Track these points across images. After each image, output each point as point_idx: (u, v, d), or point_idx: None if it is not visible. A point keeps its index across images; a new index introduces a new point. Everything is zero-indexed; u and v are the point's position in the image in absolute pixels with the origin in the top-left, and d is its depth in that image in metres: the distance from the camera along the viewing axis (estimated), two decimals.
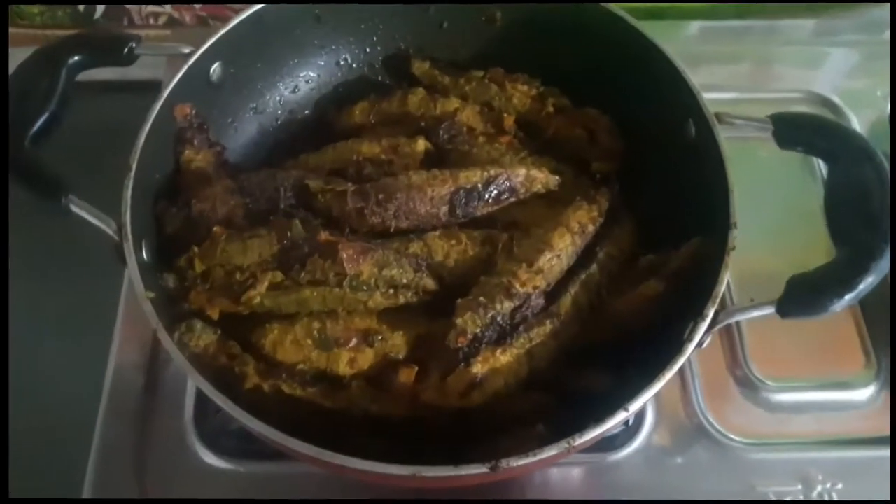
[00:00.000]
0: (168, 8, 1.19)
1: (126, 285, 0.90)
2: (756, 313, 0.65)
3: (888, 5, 1.18)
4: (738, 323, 0.89)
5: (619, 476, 0.81)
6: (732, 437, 0.83)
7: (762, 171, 0.95)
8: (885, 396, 0.86)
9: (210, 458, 0.81)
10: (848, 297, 0.62)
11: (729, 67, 1.13)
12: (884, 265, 0.62)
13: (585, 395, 0.71)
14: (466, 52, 0.93)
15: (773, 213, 0.93)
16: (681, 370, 0.85)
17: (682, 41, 1.16)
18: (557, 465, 0.81)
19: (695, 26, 1.17)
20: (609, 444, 0.82)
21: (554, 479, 0.81)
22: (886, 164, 0.66)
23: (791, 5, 1.19)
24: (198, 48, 0.78)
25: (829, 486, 0.80)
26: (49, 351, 0.92)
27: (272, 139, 0.91)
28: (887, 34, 1.17)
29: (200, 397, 0.84)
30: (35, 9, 1.20)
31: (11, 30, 1.23)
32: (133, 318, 0.89)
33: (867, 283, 0.62)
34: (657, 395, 0.83)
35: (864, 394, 0.86)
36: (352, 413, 0.68)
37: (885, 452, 0.82)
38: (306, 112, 0.93)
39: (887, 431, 0.84)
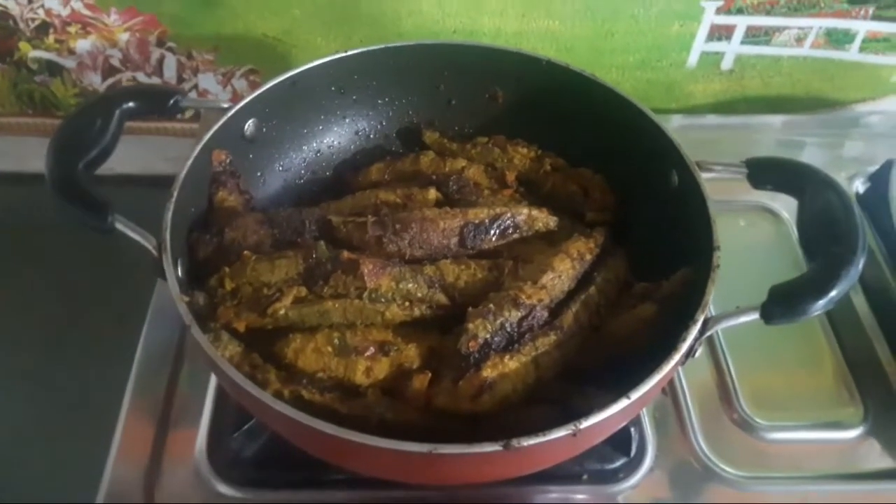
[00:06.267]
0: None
1: (147, 325, 0.96)
2: (743, 318, 0.71)
3: (851, 107, 1.31)
4: (730, 369, 0.95)
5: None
6: (728, 469, 0.86)
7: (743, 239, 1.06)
8: (872, 437, 0.90)
9: (223, 488, 0.83)
10: (823, 300, 0.69)
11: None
12: (853, 272, 0.69)
13: (587, 410, 0.74)
14: (472, 126, 1.03)
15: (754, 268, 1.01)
16: (679, 414, 0.91)
17: None
18: (561, 492, 0.84)
19: (675, 120, 1.28)
20: (612, 476, 0.85)
21: None
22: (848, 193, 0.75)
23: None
24: (236, 104, 0.88)
25: None
26: (70, 378, 1.01)
27: (295, 194, 0.98)
28: (853, 131, 1.29)
29: (214, 427, 0.87)
30: (73, 101, 1.31)
31: (48, 121, 1.35)
32: (152, 354, 0.94)
33: (840, 288, 0.68)
34: (658, 435, 0.88)
35: (852, 434, 0.90)
36: (367, 420, 0.71)
37: (874, 486, 0.86)
38: (327, 174, 1.02)
39: (874, 466, 0.88)
